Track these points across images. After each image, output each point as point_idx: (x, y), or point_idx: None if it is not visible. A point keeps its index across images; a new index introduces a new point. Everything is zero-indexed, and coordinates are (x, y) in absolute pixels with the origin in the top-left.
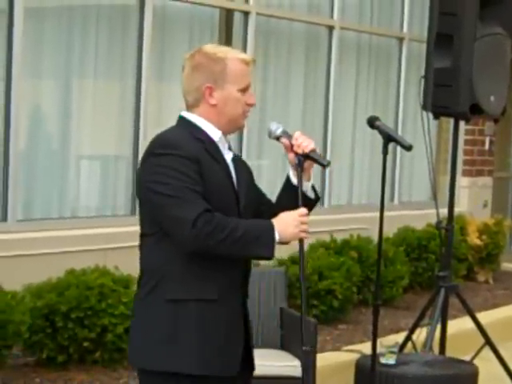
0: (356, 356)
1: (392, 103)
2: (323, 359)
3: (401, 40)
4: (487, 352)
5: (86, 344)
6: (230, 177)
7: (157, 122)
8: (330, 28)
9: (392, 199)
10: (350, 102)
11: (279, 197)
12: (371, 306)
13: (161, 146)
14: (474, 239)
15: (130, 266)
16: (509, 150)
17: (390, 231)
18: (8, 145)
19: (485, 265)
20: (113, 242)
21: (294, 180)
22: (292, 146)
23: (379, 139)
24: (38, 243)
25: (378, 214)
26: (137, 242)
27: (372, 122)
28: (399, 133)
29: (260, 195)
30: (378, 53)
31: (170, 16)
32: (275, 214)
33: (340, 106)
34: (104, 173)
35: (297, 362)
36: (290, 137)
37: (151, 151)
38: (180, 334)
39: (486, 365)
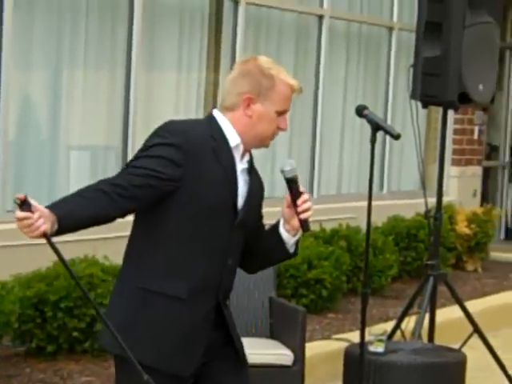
0: (345, 345)
1: (381, 92)
2: (312, 348)
3: (390, 29)
4: (476, 340)
5: (75, 334)
6: (234, 185)
7: (146, 112)
8: (320, 17)
9: (381, 188)
10: (339, 91)
11: (265, 234)
12: (360, 295)
13: (161, 129)
14: (462, 228)
15: (120, 256)
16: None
17: (379, 220)
18: None
19: (474, 254)
20: (102, 232)
21: (282, 233)
22: (294, 200)
23: (368, 128)
24: None
25: (367, 204)
26: (126, 233)
27: (360, 111)
28: (389, 122)
29: (260, 224)
30: (367, 42)
31: (160, 5)
32: (256, 248)
33: (330, 95)
34: (93, 163)
35: (287, 351)
36: (297, 187)
37: (154, 131)
38: (141, 322)
39: (475, 353)
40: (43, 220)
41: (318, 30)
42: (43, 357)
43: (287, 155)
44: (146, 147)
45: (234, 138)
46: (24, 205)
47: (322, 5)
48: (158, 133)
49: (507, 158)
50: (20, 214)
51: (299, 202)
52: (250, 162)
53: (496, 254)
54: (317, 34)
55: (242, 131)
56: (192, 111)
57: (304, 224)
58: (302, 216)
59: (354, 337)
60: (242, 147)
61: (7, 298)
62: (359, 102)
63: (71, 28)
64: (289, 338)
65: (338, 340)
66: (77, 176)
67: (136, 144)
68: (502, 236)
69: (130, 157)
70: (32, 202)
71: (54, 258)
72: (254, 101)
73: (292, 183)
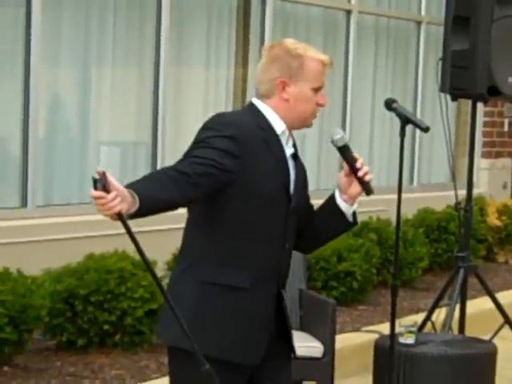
0: (375, 336)
1: (410, 86)
2: (343, 340)
3: (419, 23)
4: (507, 331)
5: (105, 327)
6: (285, 172)
7: (176, 108)
8: (348, 12)
9: (411, 181)
10: (368, 86)
11: (319, 211)
12: (390, 288)
13: (213, 122)
14: (493, 220)
15: (150, 249)
16: None
17: (409, 213)
18: (27, 132)
19: (504, 245)
20: (132, 226)
21: (341, 204)
22: (352, 167)
23: (398, 122)
24: (58, 228)
25: (397, 196)
26: (155, 227)
27: (389, 105)
28: (418, 115)
29: (309, 206)
30: (396, 36)
31: (188, 1)
32: (308, 228)
33: (359, 89)
34: (123, 159)
35: (317, 343)
36: (351, 153)
37: (204, 125)
38: (206, 316)
39: (506, 344)
40: (119, 200)
41: (346, 24)
42: (74, 350)
43: (317, 150)
44: (202, 139)
45: (279, 125)
46: (98, 182)
47: (349, 0)
48: (209, 126)
49: None
50: (93, 192)
51: (359, 164)
52: (295, 146)
53: None
54: (345, 28)
55: (283, 116)
56: (221, 107)
57: (367, 186)
58: (366, 178)
59: (385, 329)
60: (287, 132)
61: (38, 293)
62: (388, 96)
63: (99, 25)
64: (319, 330)
65: (368, 332)
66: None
67: (166, 140)
68: None
69: (159, 152)
70: (111, 179)
71: (85, 252)
72: (288, 84)
73: (345, 150)
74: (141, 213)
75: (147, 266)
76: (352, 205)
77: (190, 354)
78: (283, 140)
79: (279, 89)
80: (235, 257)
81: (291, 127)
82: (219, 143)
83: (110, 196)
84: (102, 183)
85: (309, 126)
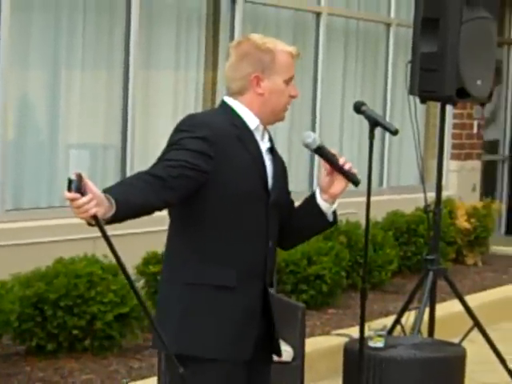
0: (345, 340)
1: (380, 88)
2: (312, 344)
3: (388, 25)
4: (476, 334)
5: (75, 332)
6: (262, 167)
7: (145, 111)
8: (318, 14)
9: (381, 184)
10: (337, 88)
11: (299, 209)
12: (360, 291)
13: (185, 124)
14: (462, 222)
15: (119, 254)
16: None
17: (379, 215)
18: None
19: (474, 248)
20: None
21: (321, 203)
22: (334, 164)
23: (367, 124)
24: (27, 233)
25: (366, 199)
26: (127, 231)
27: (358, 108)
28: (387, 118)
29: (290, 201)
30: (365, 38)
31: (157, 4)
32: (288, 225)
33: (328, 91)
34: (93, 162)
35: (286, 347)
36: (329, 151)
37: (176, 127)
38: (196, 318)
39: (475, 347)
40: (94, 203)
41: (316, 27)
42: (43, 355)
43: (287, 151)
44: (174, 142)
45: (252, 121)
46: (73, 184)
47: (319, 2)
48: (181, 128)
49: (507, 152)
50: (66, 193)
51: (341, 160)
52: (271, 140)
53: (496, 248)
54: (314, 31)
55: (257, 111)
56: (191, 110)
57: (355, 178)
58: (352, 171)
59: (354, 332)
60: (261, 127)
61: (7, 298)
62: (358, 99)
63: (69, 28)
64: (288, 334)
65: (337, 335)
66: None
67: (135, 143)
68: (503, 230)
69: (129, 156)
70: (88, 182)
71: (54, 256)
72: (261, 78)
73: (321, 151)
74: (117, 218)
75: (123, 270)
76: (332, 204)
77: (181, 358)
78: (258, 135)
79: (253, 84)
80: (219, 256)
81: (265, 122)
82: (192, 144)
83: (86, 198)
84: (76, 185)
85: (281, 119)
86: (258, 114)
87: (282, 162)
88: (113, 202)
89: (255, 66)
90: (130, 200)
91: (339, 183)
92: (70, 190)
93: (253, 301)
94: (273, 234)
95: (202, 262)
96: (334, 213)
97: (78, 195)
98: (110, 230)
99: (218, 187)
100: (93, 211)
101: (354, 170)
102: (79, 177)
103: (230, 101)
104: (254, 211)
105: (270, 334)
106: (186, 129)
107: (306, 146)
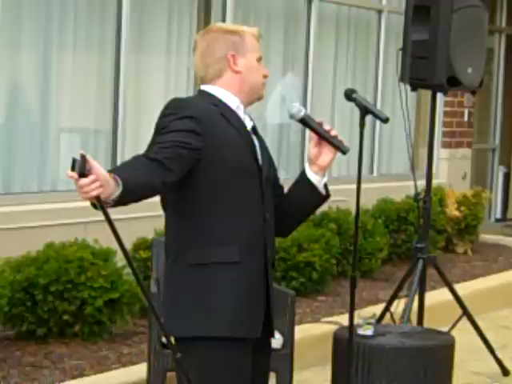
0: (335, 327)
1: (371, 76)
2: (302, 331)
3: (379, 12)
4: (465, 323)
5: (65, 317)
6: (251, 142)
7: (136, 95)
8: (309, 1)
9: (371, 171)
10: (329, 75)
11: (290, 189)
12: (349, 279)
13: (170, 107)
14: (452, 211)
15: (110, 239)
16: (489, 122)
17: (369, 203)
18: None
19: (464, 236)
20: (92, 215)
21: (311, 176)
22: (320, 133)
23: (358, 112)
24: (18, 217)
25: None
26: (119, 215)
27: (349, 95)
28: (378, 105)
29: (278, 185)
30: (356, 25)
31: None
32: (283, 205)
33: (319, 78)
34: (84, 146)
35: (276, 334)
36: (314, 121)
37: (161, 113)
38: (204, 297)
39: (464, 335)
40: (97, 184)
41: (307, 13)
42: (33, 340)
43: (277, 144)
44: (163, 126)
45: (232, 101)
46: (76, 164)
47: None
48: (167, 112)
49: (497, 141)
50: (69, 173)
51: (327, 127)
52: (252, 121)
53: (486, 237)
54: (306, 17)
55: (237, 91)
56: (182, 94)
57: (342, 146)
58: (339, 138)
59: (344, 319)
60: (242, 106)
61: None
62: (349, 86)
63: (60, 11)
64: (278, 321)
65: (327, 323)
66: (67, 159)
67: (126, 126)
68: (493, 218)
69: (120, 139)
70: (94, 164)
71: (45, 240)
72: (237, 56)
73: (307, 120)
74: (124, 196)
75: (125, 254)
76: (323, 176)
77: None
78: (240, 114)
79: (230, 63)
80: (219, 233)
81: (245, 101)
82: (180, 125)
83: (88, 180)
84: (79, 165)
85: (261, 97)
86: (237, 93)
87: (266, 144)
88: (119, 181)
89: (229, 46)
90: (135, 181)
91: (327, 153)
92: (73, 169)
93: (256, 275)
94: (269, 207)
95: (204, 242)
96: (326, 186)
97: (76, 175)
98: (99, 217)
99: (211, 163)
100: (94, 193)
101: (341, 138)
102: (83, 157)
103: (206, 87)
104: (248, 185)
105: (269, 313)
106: (171, 112)
107: (291, 116)
